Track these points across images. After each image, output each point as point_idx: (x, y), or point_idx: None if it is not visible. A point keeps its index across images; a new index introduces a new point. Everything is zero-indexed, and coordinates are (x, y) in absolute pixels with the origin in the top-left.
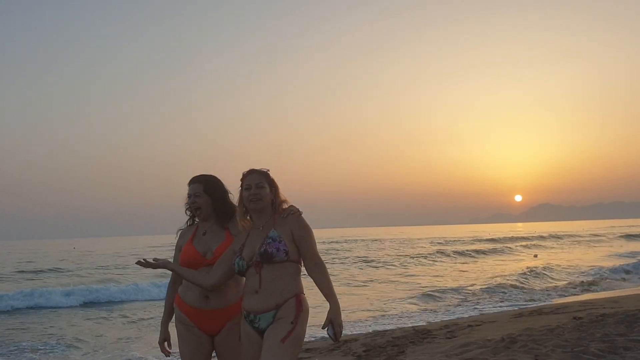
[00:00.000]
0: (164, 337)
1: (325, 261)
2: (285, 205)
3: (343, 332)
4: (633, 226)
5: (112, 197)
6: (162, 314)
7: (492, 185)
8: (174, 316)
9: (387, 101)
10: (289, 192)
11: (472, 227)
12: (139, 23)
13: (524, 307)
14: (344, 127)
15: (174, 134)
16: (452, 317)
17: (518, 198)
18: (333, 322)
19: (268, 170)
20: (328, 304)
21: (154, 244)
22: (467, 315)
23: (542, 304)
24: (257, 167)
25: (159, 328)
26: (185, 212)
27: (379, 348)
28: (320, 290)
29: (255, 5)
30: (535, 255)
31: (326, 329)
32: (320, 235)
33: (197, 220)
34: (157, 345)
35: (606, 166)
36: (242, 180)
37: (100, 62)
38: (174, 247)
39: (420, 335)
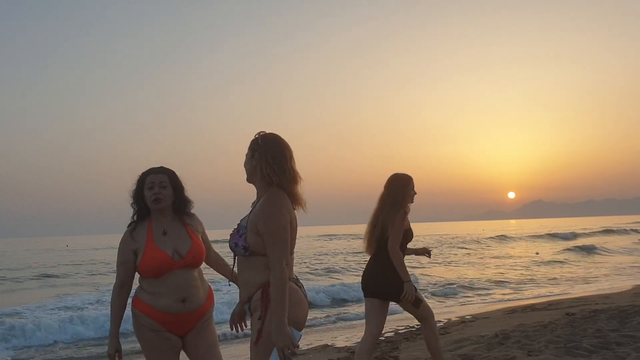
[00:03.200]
0: (117, 348)
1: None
2: (285, 181)
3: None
4: None
5: (106, 195)
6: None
7: (485, 182)
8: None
9: (382, 100)
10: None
11: (476, 224)
12: (134, 21)
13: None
14: (337, 125)
15: (167, 132)
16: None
17: (511, 195)
18: (275, 344)
19: (259, 134)
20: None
21: None
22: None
23: (535, 300)
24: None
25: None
26: (132, 206)
27: None
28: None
29: (250, 4)
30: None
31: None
32: (315, 232)
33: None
34: None
35: (598, 164)
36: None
37: (95, 60)
38: (121, 258)
39: (414, 331)
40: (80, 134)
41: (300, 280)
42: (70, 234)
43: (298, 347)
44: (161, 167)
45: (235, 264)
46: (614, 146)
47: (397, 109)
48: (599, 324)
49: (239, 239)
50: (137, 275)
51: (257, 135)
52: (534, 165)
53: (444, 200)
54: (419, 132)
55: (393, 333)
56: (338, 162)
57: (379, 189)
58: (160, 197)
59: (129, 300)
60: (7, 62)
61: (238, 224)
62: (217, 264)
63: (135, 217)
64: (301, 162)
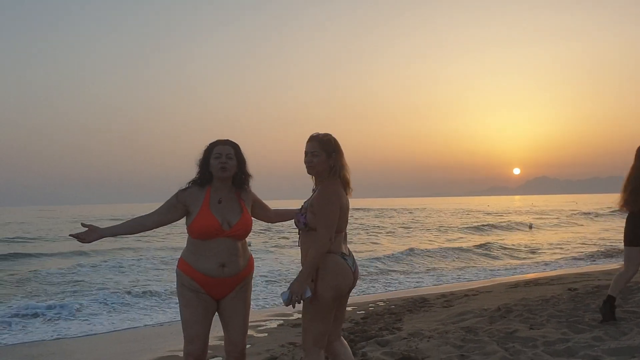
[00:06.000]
0: (93, 228)
1: None
2: (346, 173)
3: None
4: None
5: (112, 165)
6: None
7: (491, 158)
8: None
9: (394, 74)
10: (293, 163)
11: (480, 200)
12: None
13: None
14: (348, 99)
15: (176, 104)
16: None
17: (516, 171)
18: (291, 289)
19: (328, 137)
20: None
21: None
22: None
23: (538, 275)
24: (316, 134)
25: None
26: (205, 173)
27: (376, 315)
28: None
29: None
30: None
31: (282, 292)
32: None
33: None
34: None
35: (603, 141)
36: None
37: (104, 31)
38: (168, 200)
39: (418, 303)
40: (93, 105)
41: (352, 255)
42: (84, 203)
43: (302, 299)
44: (227, 140)
45: (300, 236)
46: (619, 123)
47: (409, 84)
48: (602, 300)
49: (301, 217)
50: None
51: (325, 135)
52: (539, 141)
53: (447, 175)
54: (429, 107)
55: (397, 304)
56: (347, 135)
57: (383, 162)
58: (226, 166)
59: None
60: (16, 33)
61: (302, 206)
62: (280, 215)
63: (196, 181)
64: (308, 135)
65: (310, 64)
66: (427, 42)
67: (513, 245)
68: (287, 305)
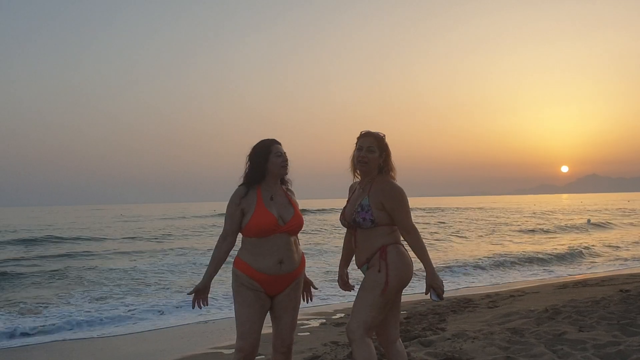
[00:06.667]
0: (206, 286)
1: None
2: (394, 174)
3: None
4: None
5: (156, 165)
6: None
7: (538, 155)
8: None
9: (441, 69)
10: (332, 162)
11: (528, 198)
12: None
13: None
14: (392, 95)
15: (217, 105)
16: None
17: (564, 169)
18: (432, 286)
19: (384, 135)
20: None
21: (190, 212)
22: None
23: (588, 275)
24: (373, 131)
25: None
26: (260, 171)
27: (419, 315)
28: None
29: None
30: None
31: (428, 294)
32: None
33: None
34: None
35: None
36: (357, 139)
37: (146, 34)
38: (229, 212)
39: (462, 304)
40: (133, 105)
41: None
42: (130, 202)
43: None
44: (275, 139)
45: (355, 235)
46: None
47: (457, 78)
48: None
49: (366, 214)
50: (239, 238)
51: (382, 135)
52: (588, 138)
53: (495, 173)
54: (475, 104)
55: (439, 305)
56: (391, 133)
57: (430, 160)
58: (287, 164)
59: (226, 259)
60: (60, 33)
61: (359, 204)
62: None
63: (247, 180)
64: (349, 133)
65: (352, 60)
66: (474, 37)
67: (559, 244)
68: (443, 299)
